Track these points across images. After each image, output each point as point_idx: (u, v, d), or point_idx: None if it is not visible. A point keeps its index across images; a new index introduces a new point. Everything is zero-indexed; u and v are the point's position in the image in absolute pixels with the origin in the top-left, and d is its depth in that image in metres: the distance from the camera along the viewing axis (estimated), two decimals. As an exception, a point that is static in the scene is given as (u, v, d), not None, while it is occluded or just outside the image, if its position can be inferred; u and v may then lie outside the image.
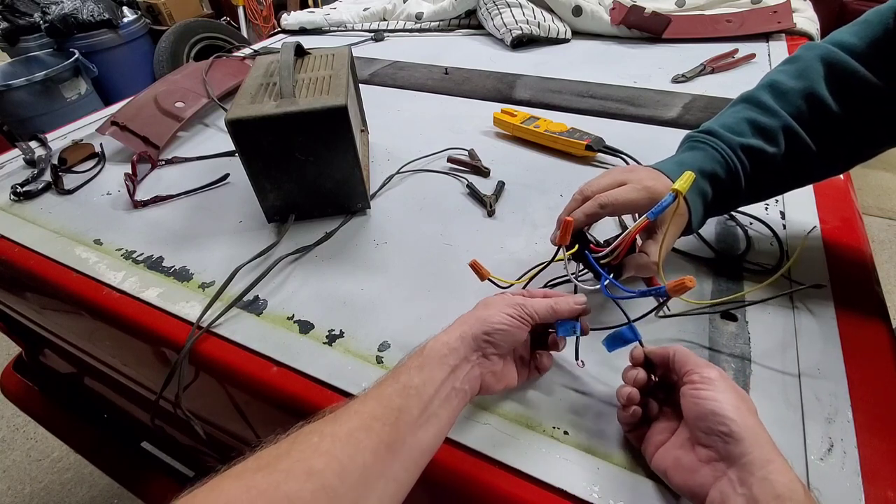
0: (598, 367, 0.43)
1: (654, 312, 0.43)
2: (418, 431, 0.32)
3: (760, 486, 0.28)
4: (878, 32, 0.42)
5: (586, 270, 0.46)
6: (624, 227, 0.59)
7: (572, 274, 0.44)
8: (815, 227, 0.55)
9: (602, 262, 0.43)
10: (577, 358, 0.41)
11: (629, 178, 0.44)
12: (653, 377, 0.38)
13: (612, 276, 0.43)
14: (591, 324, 0.42)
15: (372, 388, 0.34)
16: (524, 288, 0.47)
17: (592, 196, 0.44)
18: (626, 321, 0.40)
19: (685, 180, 0.38)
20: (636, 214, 0.46)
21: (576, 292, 0.45)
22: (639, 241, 0.45)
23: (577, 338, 0.41)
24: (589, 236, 0.46)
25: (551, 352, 0.43)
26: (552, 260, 0.45)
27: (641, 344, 0.39)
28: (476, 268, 0.45)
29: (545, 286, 0.50)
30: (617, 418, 0.39)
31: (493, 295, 0.41)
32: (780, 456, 0.30)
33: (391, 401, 0.33)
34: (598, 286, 0.42)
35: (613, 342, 0.40)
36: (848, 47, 0.44)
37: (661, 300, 0.42)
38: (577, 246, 0.44)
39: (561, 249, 0.43)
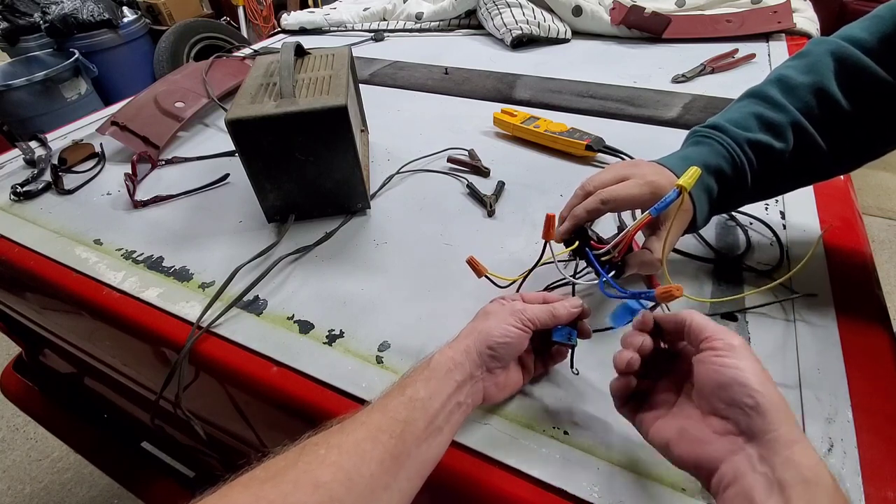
0: (599, 368, 0.43)
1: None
2: (423, 444, 0.33)
3: (785, 467, 0.26)
4: (889, 28, 0.42)
5: (587, 268, 0.45)
6: (622, 224, 0.59)
7: (571, 275, 0.44)
8: (826, 228, 0.54)
9: (603, 259, 0.43)
10: (571, 366, 0.41)
11: (632, 172, 0.43)
12: (662, 344, 0.36)
13: (613, 273, 0.42)
14: (591, 325, 0.42)
15: (378, 400, 0.34)
16: (519, 287, 0.47)
17: (594, 191, 0.43)
18: (632, 297, 0.39)
19: (690, 176, 0.37)
20: (638, 210, 0.46)
21: (573, 293, 0.45)
22: (638, 240, 0.45)
23: (573, 346, 0.40)
24: (591, 232, 0.45)
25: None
26: (540, 258, 0.44)
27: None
28: (473, 264, 0.45)
29: (546, 288, 0.50)
30: (609, 389, 0.36)
31: (492, 301, 0.41)
32: (805, 437, 0.27)
33: (397, 412, 0.33)
34: (596, 283, 0.42)
35: (621, 316, 0.38)
36: (858, 42, 0.43)
37: (651, 305, 0.42)
38: (577, 242, 0.44)
39: (548, 246, 0.43)
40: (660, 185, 0.42)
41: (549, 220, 0.41)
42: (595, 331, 0.43)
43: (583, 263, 0.46)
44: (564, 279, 0.43)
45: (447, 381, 0.35)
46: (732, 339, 0.30)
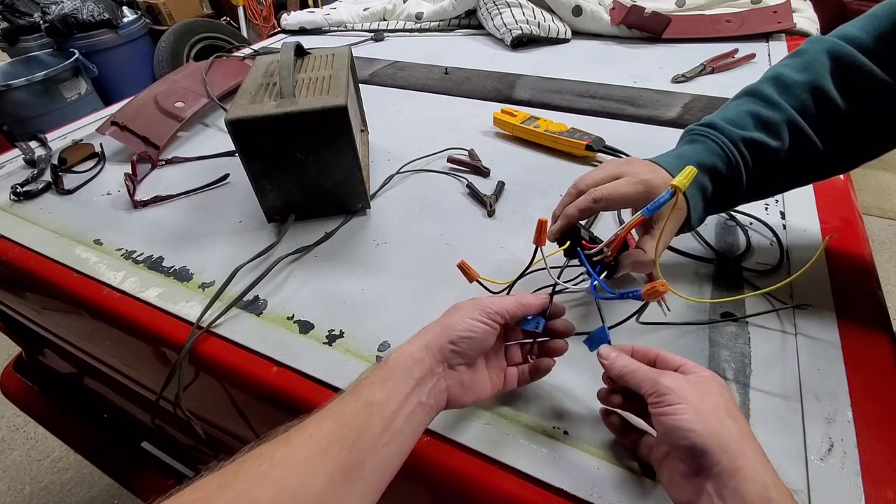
0: (599, 368, 0.43)
1: (635, 317, 0.43)
2: (381, 451, 0.30)
3: (733, 498, 0.27)
4: (885, 27, 0.41)
5: (581, 275, 0.45)
6: (622, 223, 0.59)
7: (558, 279, 0.44)
8: (830, 237, 0.53)
9: (595, 259, 0.43)
10: (530, 353, 0.41)
11: (626, 170, 0.43)
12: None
13: (604, 274, 0.42)
14: (583, 323, 0.42)
15: (331, 405, 0.32)
16: (511, 288, 0.47)
17: (587, 190, 0.43)
18: (625, 320, 0.40)
19: (685, 176, 0.36)
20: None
21: (553, 291, 0.44)
22: (635, 237, 0.45)
23: (539, 335, 0.40)
24: (584, 232, 0.45)
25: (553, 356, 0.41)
26: (531, 262, 0.43)
27: (609, 342, 0.38)
28: (464, 268, 0.44)
29: (538, 290, 0.50)
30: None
31: (468, 300, 0.39)
32: (749, 455, 0.28)
33: (351, 420, 0.30)
34: (587, 286, 0.42)
35: (595, 342, 0.40)
36: (855, 41, 0.43)
37: (641, 304, 0.42)
38: (568, 242, 0.43)
39: (538, 250, 0.42)
40: (653, 184, 0.41)
41: (542, 224, 0.40)
42: (579, 333, 0.42)
43: (569, 272, 0.46)
44: (553, 283, 0.42)
45: (405, 379, 0.33)
46: (663, 385, 0.31)
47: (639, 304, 0.45)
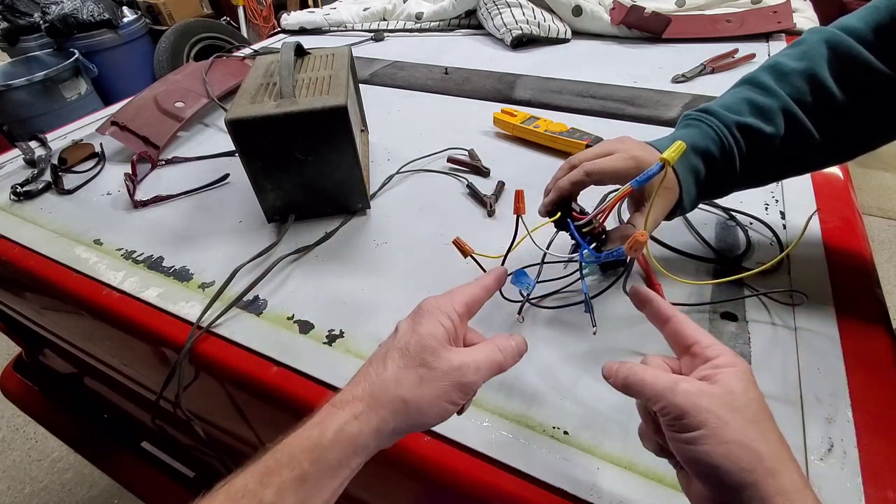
0: (599, 366, 0.43)
1: (622, 281, 0.45)
2: None
3: None
4: (883, 18, 0.42)
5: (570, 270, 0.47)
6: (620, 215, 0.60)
7: (565, 255, 0.45)
8: (814, 211, 0.53)
9: (584, 230, 0.44)
10: (519, 313, 0.46)
11: (618, 147, 0.44)
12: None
13: (594, 246, 0.44)
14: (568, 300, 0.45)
15: (245, 475, 0.26)
16: (504, 261, 0.45)
17: (579, 164, 0.44)
18: (609, 286, 0.42)
19: (674, 150, 0.36)
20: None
21: (542, 263, 0.47)
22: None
23: (526, 296, 0.43)
24: (575, 205, 0.46)
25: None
26: (515, 233, 0.44)
27: (589, 302, 0.42)
28: (459, 245, 0.44)
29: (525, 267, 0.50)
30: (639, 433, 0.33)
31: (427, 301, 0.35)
32: (784, 473, 0.24)
33: None
34: (573, 256, 0.44)
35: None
36: (853, 31, 0.43)
37: (625, 265, 0.45)
38: (559, 214, 0.45)
39: (520, 220, 0.43)
40: (644, 160, 0.42)
41: (519, 195, 0.42)
42: (555, 307, 0.44)
43: (556, 249, 0.47)
44: (542, 256, 0.45)
45: (338, 473, 0.27)
46: (674, 406, 0.26)
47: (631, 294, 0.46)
